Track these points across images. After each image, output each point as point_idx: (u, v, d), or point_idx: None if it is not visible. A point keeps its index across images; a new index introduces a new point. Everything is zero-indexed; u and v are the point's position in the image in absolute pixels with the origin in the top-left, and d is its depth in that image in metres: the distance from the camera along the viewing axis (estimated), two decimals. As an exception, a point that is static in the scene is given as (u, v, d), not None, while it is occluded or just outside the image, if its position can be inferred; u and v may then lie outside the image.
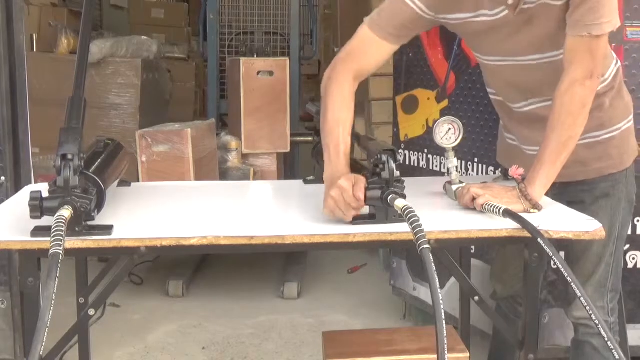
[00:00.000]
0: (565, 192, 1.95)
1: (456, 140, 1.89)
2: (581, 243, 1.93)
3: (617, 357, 1.41)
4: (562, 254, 2.03)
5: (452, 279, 2.75)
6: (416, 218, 1.41)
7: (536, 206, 1.72)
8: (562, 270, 1.49)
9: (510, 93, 1.98)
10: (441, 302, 1.32)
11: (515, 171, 1.76)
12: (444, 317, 1.30)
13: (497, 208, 1.65)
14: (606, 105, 1.92)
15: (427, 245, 1.36)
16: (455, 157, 1.90)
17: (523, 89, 1.93)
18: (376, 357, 1.83)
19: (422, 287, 3.14)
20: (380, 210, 1.60)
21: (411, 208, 1.45)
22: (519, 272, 2.05)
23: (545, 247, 1.52)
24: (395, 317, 3.49)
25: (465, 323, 2.15)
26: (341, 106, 1.80)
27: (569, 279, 1.48)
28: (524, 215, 1.63)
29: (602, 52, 1.75)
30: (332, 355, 1.85)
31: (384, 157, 1.60)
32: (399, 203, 1.51)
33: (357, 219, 1.62)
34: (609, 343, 1.43)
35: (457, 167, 1.89)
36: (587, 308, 1.46)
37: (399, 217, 1.54)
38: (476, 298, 1.71)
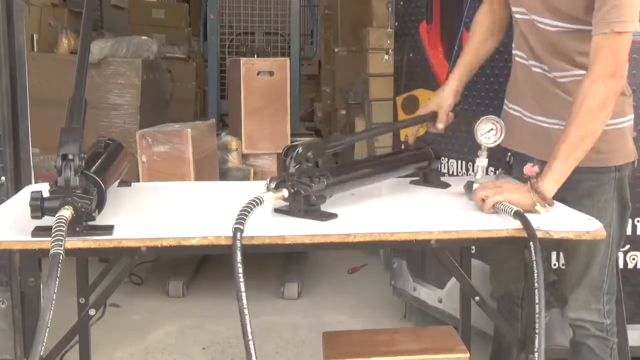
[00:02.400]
0: None
1: (496, 141, 1.89)
2: (570, 244, 1.93)
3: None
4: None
5: (453, 279, 2.75)
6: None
7: (545, 199, 1.71)
8: (536, 284, 1.50)
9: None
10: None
11: (530, 169, 1.75)
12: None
13: (509, 209, 1.65)
14: None
15: None
16: (487, 157, 1.89)
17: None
18: (376, 358, 1.83)
19: (422, 287, 3.14)
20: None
21: None
22: (512, 271, 2.05)
23: (532, 253, 1.52)
24: (395, 318, 3.48)
25: (466, 323, 2.15)
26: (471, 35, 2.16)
27: (536, 296, 1.51)
28: (533, 215, 1.62)
29: (624, 51, 1.77)
30: (333, 356, 1.85)
31: None
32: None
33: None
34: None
35: (484, 167, 1.89)
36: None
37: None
38: (477, 298, 1.72)
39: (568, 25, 1.86)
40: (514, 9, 2.00)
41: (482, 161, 1.90)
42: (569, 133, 1.75)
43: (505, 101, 2.16)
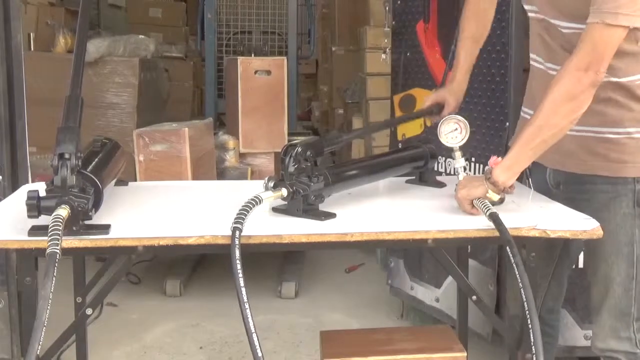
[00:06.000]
0: (567, 199, 1.84)
1: (462, 139, 1.83)
2: (590, 266, 1.86)
3: None
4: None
5: (450, 279, 2.75)
6: None
7: (497, 186, 1.65)
8: (520, 285, 1.48)
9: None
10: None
11: (494, 161, 1.70)
12: None
13: (487, 209, 1.61)
14: (613, 102, 1.75)
15: None
16: (462, 156, 1.84)
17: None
18: (373, 357, 1.83)
19: (419, 286, 3.14)
20: None
21: None
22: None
23: (511, 256, 1.50)
24: (392, 317, 3.49)
25: (463, 322, 2.15)
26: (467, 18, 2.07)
27: (523, 296, 1.47)
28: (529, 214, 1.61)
29: (608, 45, 1.62)
30: (330, 355, 1.85)
31: None
32: None
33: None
34: None
35: (464, 168, 1.84)
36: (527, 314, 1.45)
37: None
38: (473, 297, 1.72)
39: (581, 25, 1.68)
40: (526, 7, 1.88)
41: (458, 162, 1.84)
42: (530, 122, 1.67)
43: (522, 107, 2.03)
